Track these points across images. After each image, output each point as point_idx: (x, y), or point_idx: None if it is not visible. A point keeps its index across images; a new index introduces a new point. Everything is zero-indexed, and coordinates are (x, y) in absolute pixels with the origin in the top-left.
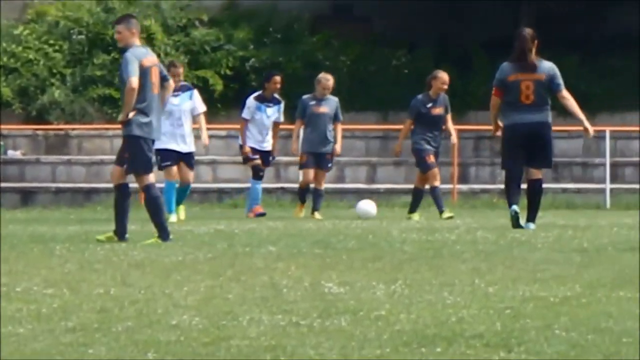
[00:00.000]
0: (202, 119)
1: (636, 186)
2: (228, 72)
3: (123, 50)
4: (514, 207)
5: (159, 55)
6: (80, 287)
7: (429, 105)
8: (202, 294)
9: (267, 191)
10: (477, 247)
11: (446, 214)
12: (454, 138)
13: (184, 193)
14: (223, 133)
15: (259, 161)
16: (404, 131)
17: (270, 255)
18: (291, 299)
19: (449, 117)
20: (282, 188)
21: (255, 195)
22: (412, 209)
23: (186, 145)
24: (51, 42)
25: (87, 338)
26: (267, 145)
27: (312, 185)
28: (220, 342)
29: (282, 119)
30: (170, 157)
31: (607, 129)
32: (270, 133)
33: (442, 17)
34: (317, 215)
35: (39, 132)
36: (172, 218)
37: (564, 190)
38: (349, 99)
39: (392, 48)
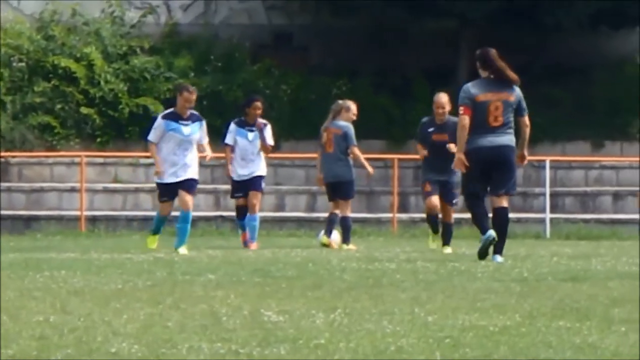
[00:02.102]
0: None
1: (576, 216)
2: (168, 96)
3: None
4: (491, 232)
5: (98, 83)
6: (19, 314)
7: (431, 129)
8: (141, 322)
9: (205, 219)
10: (417, 276)
11: (446, 249)
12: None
13: (185, 222)
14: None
15: (242, 201)
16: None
17: (209, 283)
18: (230, 327)
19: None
20: (221, 216)
21: (243, 227)
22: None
23: (186, 174)
24: None
25: None
26: (256, 170)
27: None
28: None
29: (272, 142)
30: (168, 191)
31: (548, 159)
32: (261, 157)
33: (381, 45)
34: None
35: None
36: (182, 251)
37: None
38: (289, 127)
39: (332, 77)
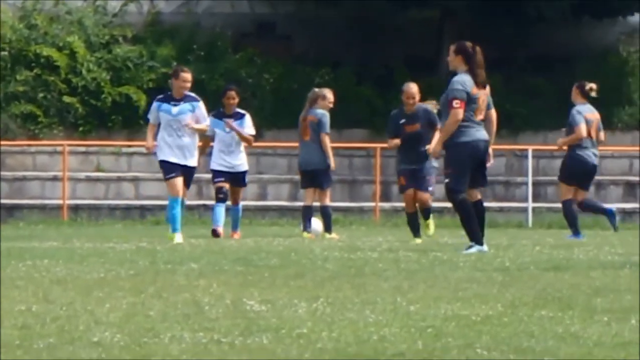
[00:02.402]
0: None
1: (558, 205)
2: (151, 84)
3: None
4: (485, 247)
5: (80, 72)
6: (1, 303)
7: (403, 121)
8: (123, 311)
9: (189, 208)
10: (399, 265)
11: (429, 227)
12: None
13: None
14: (145, 150)
15: (224, 184)
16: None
17: (192, 272)
18: (213, 317)
19: None
20: (204, 205)
21: (217, 217)
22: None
23: (186, 160)
24: None
25: (8, 355)
26: (239, 164)
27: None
28: None
29: (252, 131)
30: (174, 169)
31: (530, 148)
32: (241, 149)
33: (364, 35)
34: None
35: None
36: (178, 238)
37: (486, 209)
38: (271, 116)
39: (315, 67)
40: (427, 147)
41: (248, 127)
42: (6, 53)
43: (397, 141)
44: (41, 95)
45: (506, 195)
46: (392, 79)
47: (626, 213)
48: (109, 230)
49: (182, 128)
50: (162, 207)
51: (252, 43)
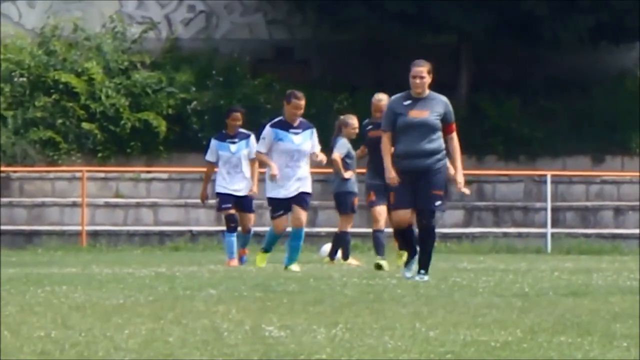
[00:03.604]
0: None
1: (577, 231)
2: (170, 111)
3: None
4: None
5: (99, 98)
6: (20, 329)
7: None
8: (142, 337)
9: (207, 234)
10: (418, 291)
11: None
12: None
13: (298, 240)
14: (164, 176)
15: (232, 210)
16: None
17: (211, 298)
18: (232, 342)
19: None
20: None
21: (231, 249)
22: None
23: (300, 186)
24: None
25: None
26: (242, 189)
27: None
28: None
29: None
30: (282, 206)
31: (549, 173)
32: (247, 172)
33: (381, 60)
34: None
35: None
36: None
37: (505, 235)
38: None
39: (333, 91)
40: None
41: (254, 147)
42: (25, 79)
43: (362, 148)
44: (60, 121)
45: (525, 221)
46: None
47: None
48: (128, 256)
49: (302, 158)
50: (180, 233)
51: (270, 68)
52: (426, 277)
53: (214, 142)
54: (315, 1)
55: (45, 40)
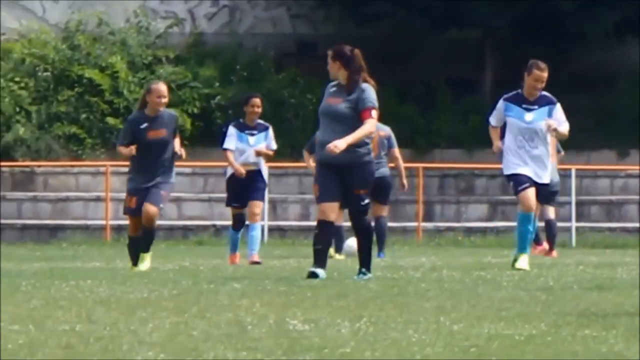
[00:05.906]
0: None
1: (602, 225)
2: (195, 110)
3: None
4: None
5: (123, 93)
6: (45, 323)
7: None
8: (167, 331)
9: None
10: (442, 285)
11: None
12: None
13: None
14: (188, 170)
15: (242, 210)
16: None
17: (235, 292)
18: (256, 336)
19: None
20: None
21: (233, 244)
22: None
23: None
24: (17, 79)
25: None
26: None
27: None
28: None
29: (274, 146)
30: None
31: (573, 168)
32: (262, 163)
33: (405, 55)
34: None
35: (5, 169)
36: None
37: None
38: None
39: None
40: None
41: (272, 140)
42: (49, 74)
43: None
44: (84, 116)
45: None
46: (434, 99)
47: None
48: (152, 251)
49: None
50: (204, 228)
51: (294, 63)
52: (368, 276)
53: (233, 130)
54: None
55: (70, 34)
